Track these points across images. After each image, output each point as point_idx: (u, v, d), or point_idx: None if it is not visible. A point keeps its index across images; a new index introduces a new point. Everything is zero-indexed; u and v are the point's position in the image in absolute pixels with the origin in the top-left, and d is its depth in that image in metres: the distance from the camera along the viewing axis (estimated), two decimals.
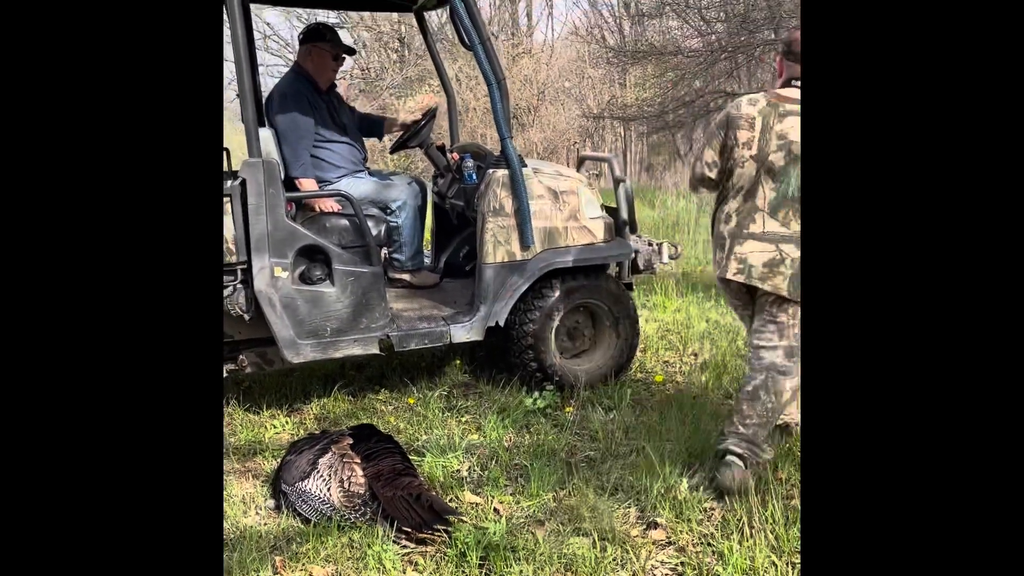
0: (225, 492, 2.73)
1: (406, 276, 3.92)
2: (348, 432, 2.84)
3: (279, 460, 2.86)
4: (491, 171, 3.41)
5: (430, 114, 4.03)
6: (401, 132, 4.12)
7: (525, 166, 3.41)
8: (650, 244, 3.83)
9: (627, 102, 17.91)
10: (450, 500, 2.64)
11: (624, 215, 3.74)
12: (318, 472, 2.61)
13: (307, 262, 3.17)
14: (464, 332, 3.36)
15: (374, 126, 4.27)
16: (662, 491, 2.63)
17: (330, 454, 2.67)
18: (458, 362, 3.99)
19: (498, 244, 3.36)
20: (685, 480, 2.70)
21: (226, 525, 2.53)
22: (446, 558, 2.32)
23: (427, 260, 4.24)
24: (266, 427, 3.32)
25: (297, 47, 3.98)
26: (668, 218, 8.19)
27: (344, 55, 3.87)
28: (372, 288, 3.23)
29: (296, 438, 3.10)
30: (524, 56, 19.62)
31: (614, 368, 3.63)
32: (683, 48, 14.22)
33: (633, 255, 3.70)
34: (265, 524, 2.57)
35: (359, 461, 2.66)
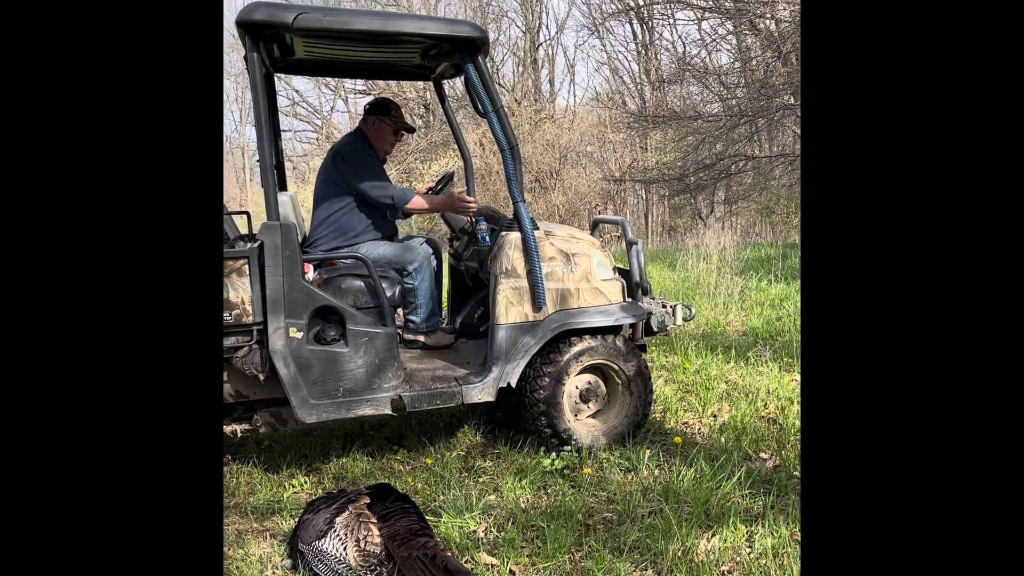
0: (243, 551, 2.74)
1: (421, 337, 3.97)
2: (365, 491, 2.85)
3: (297, 519, 2.87)
4: (504, 233, 3.47)
5: (447, 178, 4.14)
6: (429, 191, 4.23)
7: (537, 228, 3.47)
8: (664, 305, 3.85)
9: (648, 165, 18.15)
10: (466, 561, 2.63)
11: (636, 276, 3.78)
12: (335, 531, 2.62)
13: (322, 323, 3.22)
14: (476, 393, 3.37)
15: None
16: (679, 554, 2.60)
17: (347, 513, 2.68)
18: (476, 422, 4.00)
19: (510, 305, 3.41)
20: (703, 542, 2.67)
21: None
22: None
23: (443, 322, 4.29)
24: (285, 486, 3.34)
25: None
26: (689, 279, 8.20)
27: (403, 132, 4.03)
28: (385, 349, 3.27)
29: (313, 497, 3.11)
30: (546, 121, 20.00)
31: (629, 427, 3.63)
32: (703, 113, 14.47)
33: (646, 316, 3.73)
34: None
35: (375, 521, 2.66)
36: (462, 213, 3.96)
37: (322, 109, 23.92)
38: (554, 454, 3.46)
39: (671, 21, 19.20)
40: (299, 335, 3.13)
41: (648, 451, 3.50)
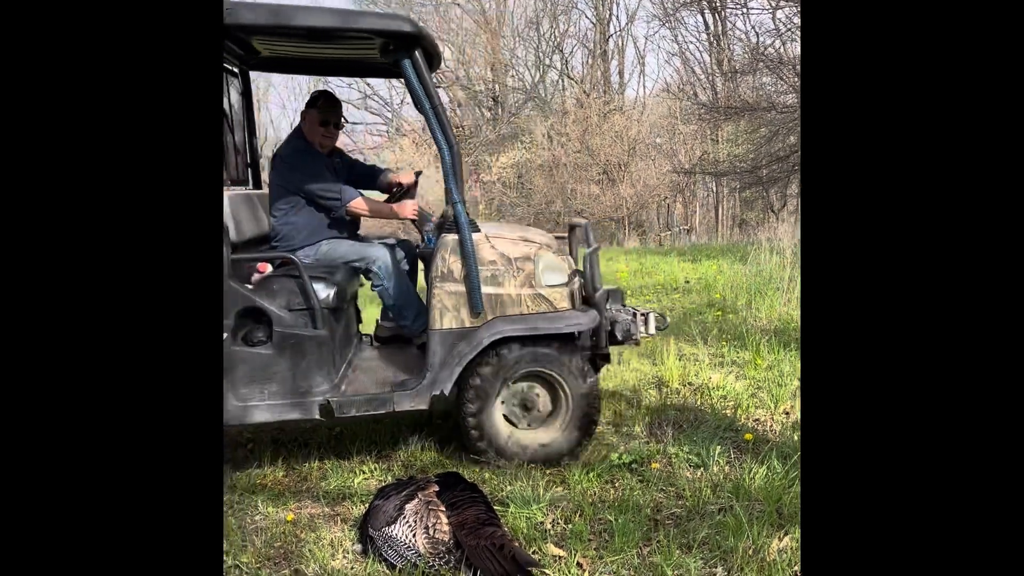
0: (315, 535, 2.80)
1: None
2: (435, 479, 2.88)
3: (367, 505, 2.92)
4: (442, 235, 3.34)
5: (411, 183, 4.05)
6: (388, 195, 4.15)
7: (477, 231, 3.32)
8: (633, 314, 3.66)
9: (719, 158, 17.85)
10: (533, 552, 2.64)
11: (592, 282, 3.51)
12: (404, 518, 2.65)
13: (252, 324, 3.17)
14: (408, 400, 3.27)
15: (363, 178, 4.22)
16: (750, 552, 2.56)
17: (416, 500, 2.71)
18: None
19: (446, 310, 3.28)
20: (775, 542, 2.62)
21: (314, 567, 2.59)
22: None
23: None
24: (355, 472, 3.40)
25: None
26: (761, 274, 8.03)
27: (333, 123, 3.90)
28: (314, 352, 3.21)
29: (384, 484, 3.16)
30: (616, 113, 19.85)
31: (569, 443, 3.41)
32: (777, 104, 14.13)
33: (598, 324, 3.44)
34: (352, 568, 2.62)
35: (444, 509, 2.69)
36: (402, 219, 3.84)
37: (392, 103, 24.22)
38: (622, 448, 3.43)
39: (744, 10, 18.80)
40: (224, 335, 3.08)
41: (718, 447, 3.45)
